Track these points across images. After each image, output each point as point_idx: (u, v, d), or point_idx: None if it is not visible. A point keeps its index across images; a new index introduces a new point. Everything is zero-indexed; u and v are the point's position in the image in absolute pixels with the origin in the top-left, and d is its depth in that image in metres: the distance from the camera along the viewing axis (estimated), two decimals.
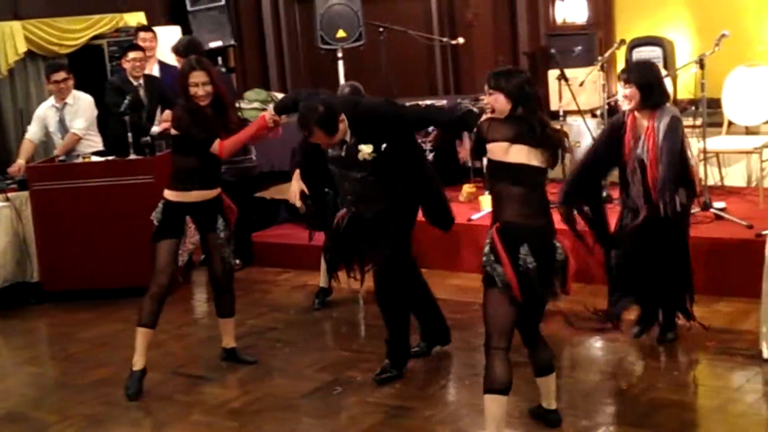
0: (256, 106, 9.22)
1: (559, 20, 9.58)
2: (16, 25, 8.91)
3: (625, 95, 5.32)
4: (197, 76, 5.33)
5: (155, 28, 8.68)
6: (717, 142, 7.74)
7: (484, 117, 4.44)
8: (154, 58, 8.34)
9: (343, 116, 5.06)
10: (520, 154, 4.26)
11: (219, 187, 5.60)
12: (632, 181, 5.37)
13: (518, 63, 9.54)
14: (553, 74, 8.32)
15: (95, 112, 7.90)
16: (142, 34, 8.33)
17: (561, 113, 8.14)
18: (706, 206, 6.89)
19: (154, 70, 8.27)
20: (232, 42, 10.18)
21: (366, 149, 5.05)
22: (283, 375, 5.67)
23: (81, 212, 7.32)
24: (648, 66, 5.57)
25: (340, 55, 9.19)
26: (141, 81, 7.84)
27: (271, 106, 5.84)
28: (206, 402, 5.35)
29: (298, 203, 6.05)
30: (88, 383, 5.75)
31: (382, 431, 4.83)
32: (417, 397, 5.18)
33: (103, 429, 5.12)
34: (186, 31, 9.52)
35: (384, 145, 5.07)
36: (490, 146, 4.31)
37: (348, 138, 5.11)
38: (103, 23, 9.32)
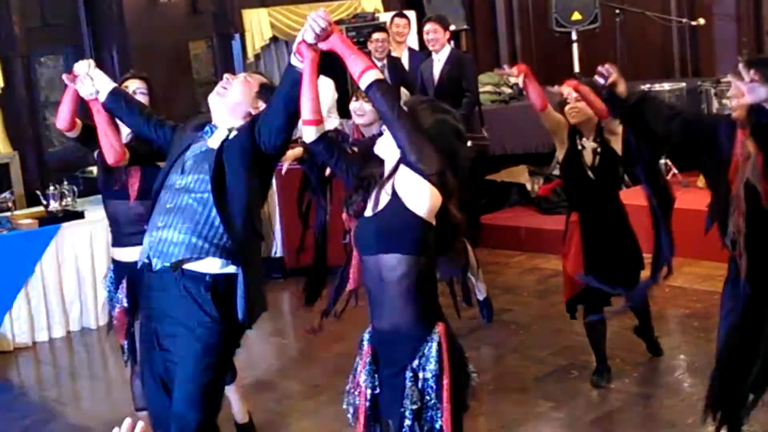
0: (489, 89, 9.30)
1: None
2: (262, 12, 9.35)
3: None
4: None
5: (390, 14, 8.90)
6: None
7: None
8: (404, 44, 8.52)
9: None
10: None
11: None
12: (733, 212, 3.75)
13: (763, 44, 9.16)
14: None
15: (335, 95, 8.17)
16: (396, 20, 8.54)
17: None
18: None
19: (403, 57, 8.42)
20: (465, 26, 10.27)
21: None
22: (518, 357, 5.73)
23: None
24: None
25: (574, 37, 9.12)
26: (385, 62, 8.02)
27: None
28: None
29: None
30: (331, 355, 6.01)
31: (621, 418, 4.82)
32: (658, 385, 5.13)
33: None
34: (420, 15, 9.69)
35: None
36: None
37: None
38: (342, 9, 9.61)
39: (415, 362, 3.08)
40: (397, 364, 3.13)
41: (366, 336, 3.27)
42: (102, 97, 4.17)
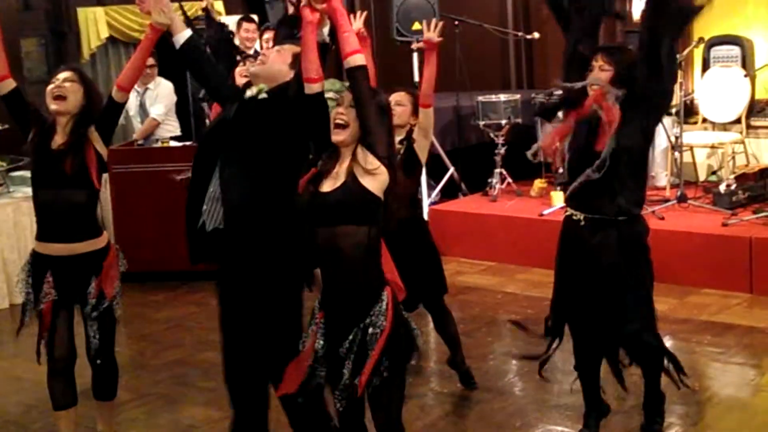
0: (331, 96, 9.29)
1: (636, 16, 9.49)
2: (99, 11, 9.13)
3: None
4: None
5: (233, 17, 8.80)
6: None
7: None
8: (252, 50, 8.43)
9: None
10: None
11: None
12: None
13: None
14: None
15: (174, 98, 8.06)
16: (245, 25, 8.42)
17: None
18: None
19: None
20: None
21: None
22: None
23: (157, 196, 7.47)
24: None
25: (414, 47, 9.22)
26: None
27: None
28: None
29: None
30: (163, 363, 5.89)
31: (451, 421, 4.87)
32: (488, 389, 5.22)
33: (176, 409, 5.24)
34: (263, 20, 9.63)
35: None
36: None
37: None
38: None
39: (367, 320, 3.48)
40: (347, 323, 3.51)
41: (317, 304, 3.63)
42: (183, 37, 4.07)
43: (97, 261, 4.36)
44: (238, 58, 6.37)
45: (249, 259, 3.91)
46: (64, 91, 4.24)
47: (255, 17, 8.84)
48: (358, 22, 4.90)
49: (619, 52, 4.20)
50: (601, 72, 4.13)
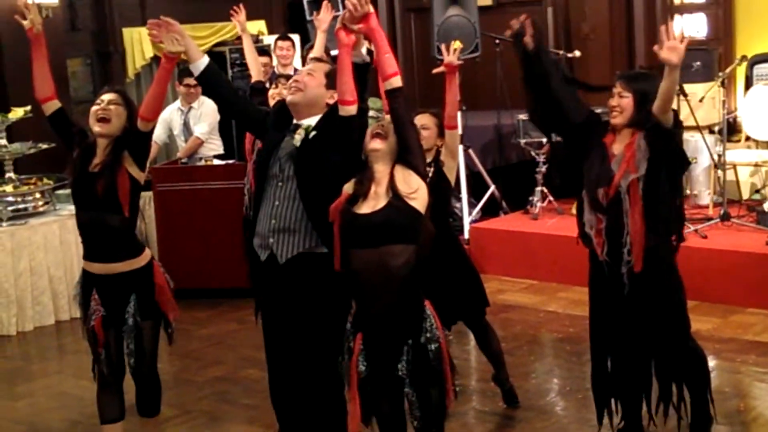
0: (372, 114, 9.34)
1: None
2: (143, 32, 9.16)
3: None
4: None
5: (275, 36, 8.87)
6: None
7: None
8: (290, 66, 8.50)
9: None
10: None
11: None
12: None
13: None
14: None
15: (218, 117, 8.13)
16: (279, 43, 8.48)
17: None
18: None
19: None
20: None
21: None
22: None
23: (201, 214, 7.54)
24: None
25: (435, 71, 9.23)
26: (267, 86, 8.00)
27: None
28: None
29: None
30: (206, 380, 5.93)
31: None
32: (530, 408, 5.20)
33: (219, 426, 5.28)
34: (305, 39, 9.71)
35: None
36: None
37: None
38: (225, 31, 9.57)
39: (422, 337, 3.54)
40: (394, 342, 3.56)
41: (349, 327, 3.67)
42: (202, 64, 4.12)
43: (137, 279, 4.37)
44: (269, 78, 6.50)
45: (305, 285, 3.96)
46: (108, 114, 4.27)
47: (292, 36, 8.92)
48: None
49: (639, 77, 4.20)
50: (620, 98, 4.11)
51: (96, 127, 4.28)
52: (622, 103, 4.12)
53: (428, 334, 3.54)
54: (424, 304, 3.61)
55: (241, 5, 6.74)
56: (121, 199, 4.24)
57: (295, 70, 8.53)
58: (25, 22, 4.29)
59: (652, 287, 4.16)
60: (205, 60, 4.14)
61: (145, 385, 4.52)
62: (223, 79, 4.29)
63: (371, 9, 3.72)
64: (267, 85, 6.76)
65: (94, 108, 4.31)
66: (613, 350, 4.32)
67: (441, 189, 4.79)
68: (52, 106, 4.36)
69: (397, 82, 3.64)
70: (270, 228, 4.09)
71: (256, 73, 6.56)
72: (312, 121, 4.07)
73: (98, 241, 4.32)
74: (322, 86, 4.07)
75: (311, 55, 6.06)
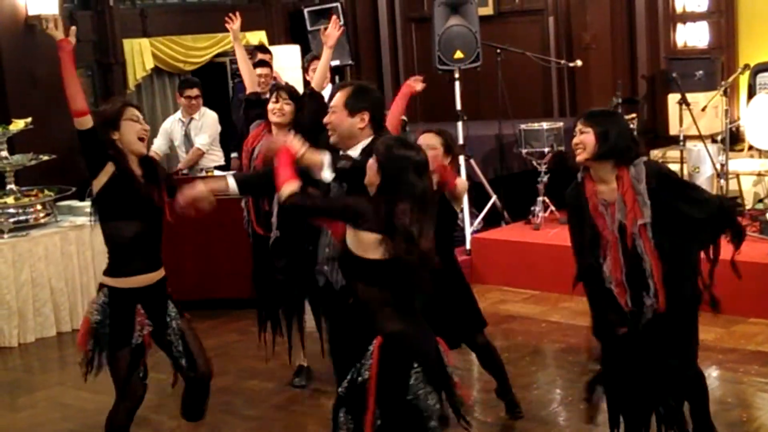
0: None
1: (680, 44, 9.48)
2: (144, 42, 9.25)
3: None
4: None
5: (276, 47, 8.87)
6: None
7: None
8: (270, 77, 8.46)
9: None
10: None
11: None
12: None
13: (637, 87, 9.47)
14: (673, 98, 8.25)
15: (218, 128, 8.14)
16: (260, 55, 8.45)
17: (681, 138, 8.04)
18: None
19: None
20: (350, 61, 10.33)
21: None
22: None
23: (201, 224, 7.50)
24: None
25: (456, 75, 9.24)
26: (268, 96, 7.96)
27: None
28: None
29: None
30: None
31: None
32: (533, 419, 5.18)
33: None
34: (305, 50, 9.71)
35: None
36: None
37: None
38: (226, 41, 9.56)
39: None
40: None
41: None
42: (234, 187, 4.45)
43: (165, 282, 4.59)
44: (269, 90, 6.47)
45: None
46: (146, 135, 4.44)
47: (296, 46, 8.85)
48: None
49: (599, 114, 4.21)
50: (581, 135, 4.12)
51: (141, 147, 4.40)
52: (584, 139, 4.11)
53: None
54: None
55: (237, 13, 6.69)
56: (166, 204, 4.51)
57: (274, 79, 8.40)
58: (56, 32, 4.34)
59: (671, 322, 4.17)
60: (232, 183, 4.45)
61: (200, 384, 4.74)
62: (254, 179, 4.73)
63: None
64: (268, 95, 6.75)
65: (138, 127, 4.38)
66: (626, 374, 4.27)
67: (446, 216, 4.73)
68: (87, 122, 4.29)
69: (284, 192, 3.67)
70: (325, 256, 4.33)
71: (249, 83, 6.45)
72: (356, 150, 4.12)
73: (154, 249, 4.50)
74: (346, 116, 4.11)
75: (312, 79, 6.06)
